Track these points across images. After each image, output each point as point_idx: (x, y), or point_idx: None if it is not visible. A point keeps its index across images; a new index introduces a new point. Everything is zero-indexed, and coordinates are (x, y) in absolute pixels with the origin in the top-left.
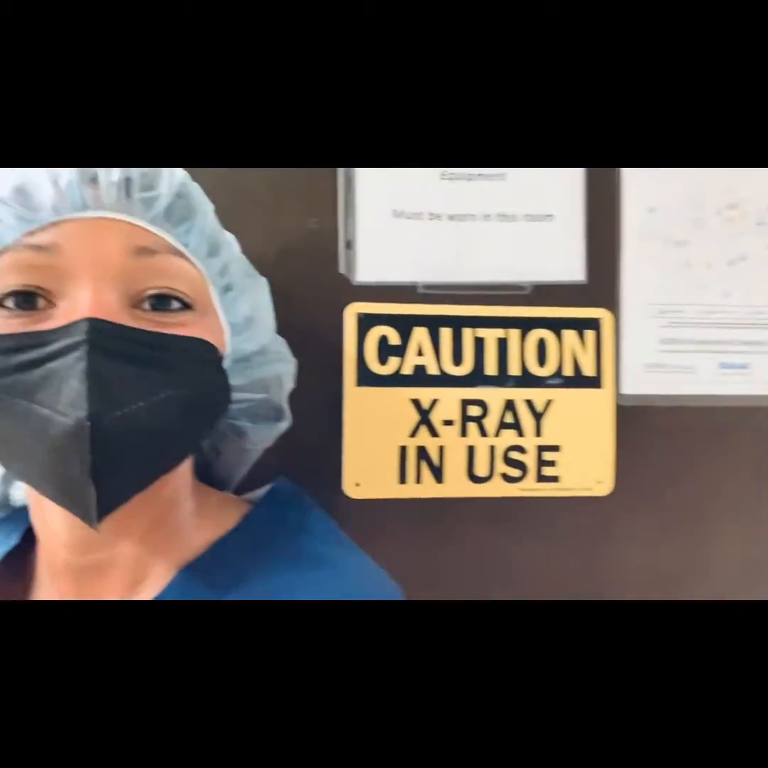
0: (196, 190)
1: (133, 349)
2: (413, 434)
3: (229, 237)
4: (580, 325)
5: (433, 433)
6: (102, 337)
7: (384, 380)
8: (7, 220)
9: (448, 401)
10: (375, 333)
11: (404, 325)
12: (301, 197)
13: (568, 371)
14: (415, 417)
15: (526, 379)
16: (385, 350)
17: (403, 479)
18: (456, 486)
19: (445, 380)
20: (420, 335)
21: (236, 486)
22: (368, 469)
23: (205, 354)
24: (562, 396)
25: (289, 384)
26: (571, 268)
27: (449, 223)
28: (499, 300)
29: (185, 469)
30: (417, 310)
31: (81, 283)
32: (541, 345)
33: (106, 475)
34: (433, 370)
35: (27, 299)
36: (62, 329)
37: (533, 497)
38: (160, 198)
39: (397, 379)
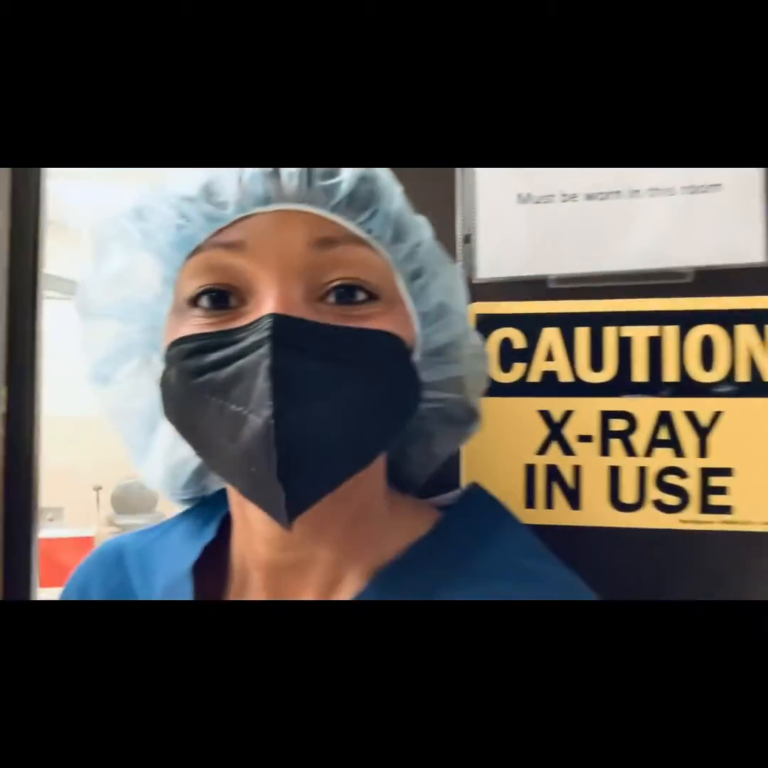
0: (383, 173)
1: (317, 345)
2: (542, 451)
3: (421, 220)
4: (760, 319)
5: (567, 450)
6: (286, 332)
7: (507, 389)
8: (196, 220)
9: (584, 413)
10: (497, 336)
11: (531, 325)
12: (415, 186)
13: (742, 376)
14: (544, 431)
15: (687, 387)
16: (509, 355)
17: (530, 503)
18: (596, 513)
19: (580, 389)
20: (550, 337)
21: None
22: (489, 489)
23: (393, 347)
24: (735, 407)
25: (483, 383)
26: (747, 247)
27: (587, 203)
28: (652, 291)
29: (378, 471)
30: (547, 308)
31: (267, 279)
32: (707, 344)
33: (292, 474)
34: (565, 376)
35: (220, 298)
36: (248, 326)
37: (697, 531)
38: (342, 184)
39: (522, 388)
